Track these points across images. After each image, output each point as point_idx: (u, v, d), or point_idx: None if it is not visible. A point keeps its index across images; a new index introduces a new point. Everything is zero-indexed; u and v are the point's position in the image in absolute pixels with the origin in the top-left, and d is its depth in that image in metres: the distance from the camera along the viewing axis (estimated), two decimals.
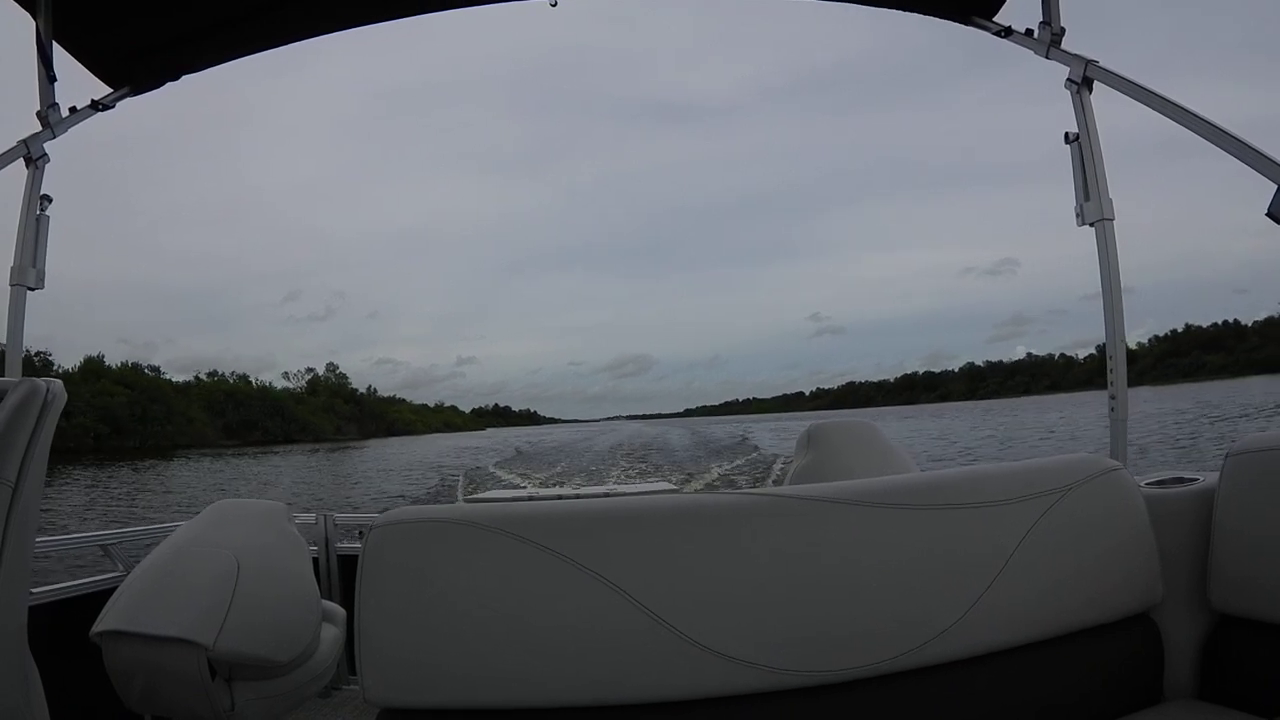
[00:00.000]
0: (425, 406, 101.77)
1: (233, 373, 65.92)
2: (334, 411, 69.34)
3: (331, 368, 79.37)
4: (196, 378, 60.76)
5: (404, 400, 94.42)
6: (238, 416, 58.88)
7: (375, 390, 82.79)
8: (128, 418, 46.28)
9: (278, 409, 62.35)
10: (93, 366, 50.26)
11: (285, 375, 72.25)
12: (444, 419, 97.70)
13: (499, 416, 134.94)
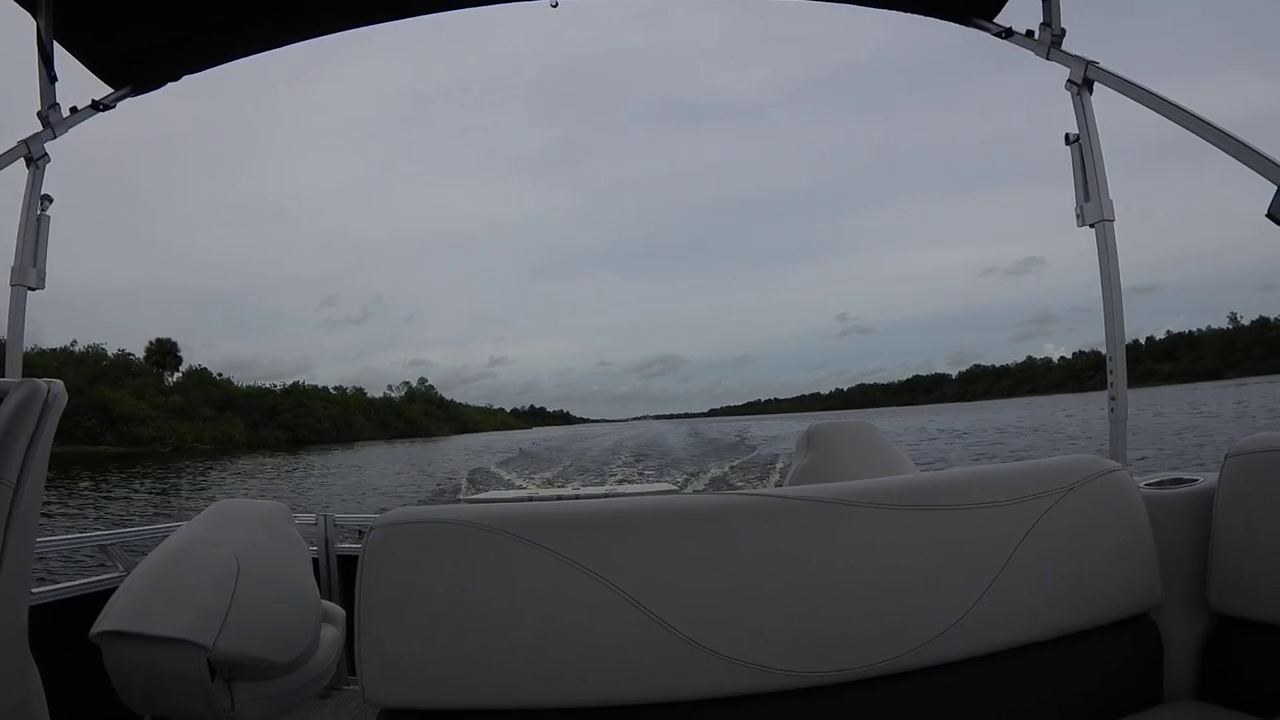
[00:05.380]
0: (484, 408, 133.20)
1: (353, 386, 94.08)
2: (430, 415, 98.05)
3: (421, 381, 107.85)
4: (335, 389, 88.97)
5: (466, 405, 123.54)
6: (378, 420, 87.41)
7: (441, 395, 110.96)
8: (342, 423, 78.89)
9: (399, 414, 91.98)
10: (296, 386, 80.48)
11: (390, 387, 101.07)
12: (501, 420, 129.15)
13: (535, 416, 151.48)
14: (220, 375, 74.43)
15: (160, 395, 63.71)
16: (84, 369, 59.92)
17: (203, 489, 30.09)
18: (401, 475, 32.77)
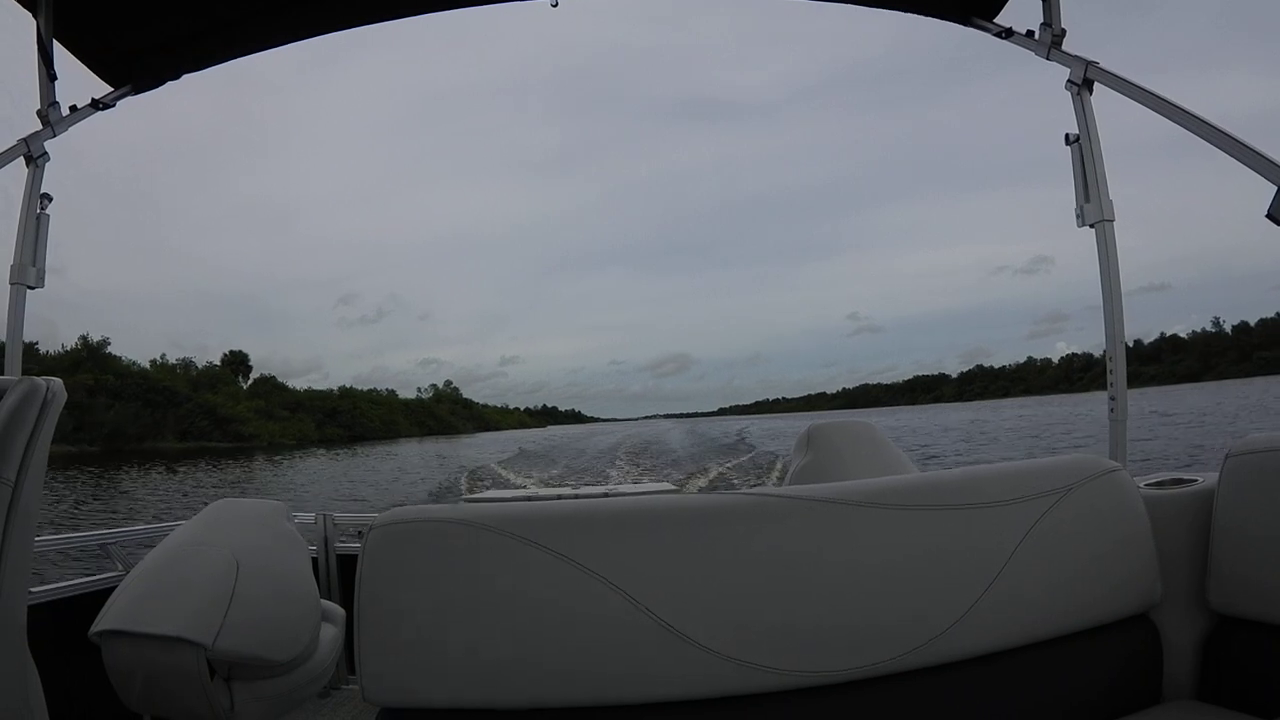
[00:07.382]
0: (501, 408, 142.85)
1: (388, 389, 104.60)
2: (457, 415, 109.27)
3: (447, 383, 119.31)
4: (373, 390, 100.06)
5: (484, 404, 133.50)
6: (414, 419, 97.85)
7: (461, 392, 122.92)
8: (388, 422, 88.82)
9: (432, 414, 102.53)
10: (346, 390, 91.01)
11: (419, 389, 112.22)
12: (518, 419, 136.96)
13: (547, 416, 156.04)
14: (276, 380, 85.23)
15: (247, 399, 73.83)
16: (179, 377, 71.47)
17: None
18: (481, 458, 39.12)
